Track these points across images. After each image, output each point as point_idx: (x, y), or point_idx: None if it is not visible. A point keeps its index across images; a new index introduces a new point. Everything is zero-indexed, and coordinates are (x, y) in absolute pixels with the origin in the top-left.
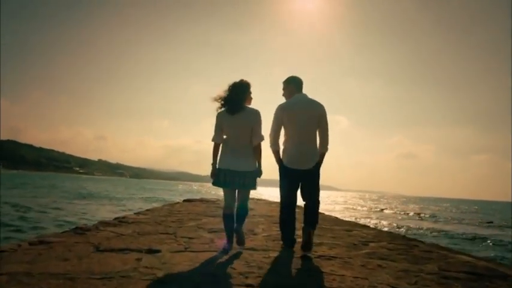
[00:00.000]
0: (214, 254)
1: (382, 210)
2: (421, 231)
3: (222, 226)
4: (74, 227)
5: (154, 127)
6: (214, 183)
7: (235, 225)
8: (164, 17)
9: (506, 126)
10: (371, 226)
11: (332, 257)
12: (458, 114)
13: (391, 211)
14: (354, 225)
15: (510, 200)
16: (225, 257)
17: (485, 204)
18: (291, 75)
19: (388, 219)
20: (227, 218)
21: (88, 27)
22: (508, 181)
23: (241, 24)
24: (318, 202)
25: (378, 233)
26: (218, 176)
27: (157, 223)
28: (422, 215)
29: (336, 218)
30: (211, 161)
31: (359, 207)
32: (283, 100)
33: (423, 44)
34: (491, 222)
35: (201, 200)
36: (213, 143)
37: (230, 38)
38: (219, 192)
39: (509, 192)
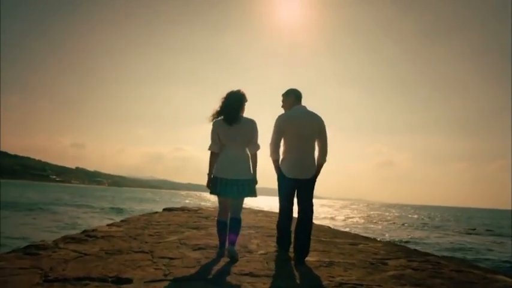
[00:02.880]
0: (204, 283)
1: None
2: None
3: (208, 241)
4: (26, 244)
5: (133, 134)
6: (212, 192)
7: (228, 236)
8: (146, 23)
9: (484, 133)
10: (372, 237)
11: (357, 284)
12: (436, 122)
13: (363, 219)
14: (355, 236)
15: (488, 207)
16: None
17: (467, 211)
18: (290, 87)
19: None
20: (221, 223)
21: (67, 32)
22: (487, 188)
23: (221, 30)
24: (312, 213)
25: (386, 246)
26: (216, 185)
27: (132, 237)
28: (406, 223)
29: (329, 227)
30: (207, 170)
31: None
32: (264, 108)
33: (400, 52)
34: (475, 229)
35: (183, 209)
36: (209, 152)
37: (212, 43)
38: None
39: (489, 199)
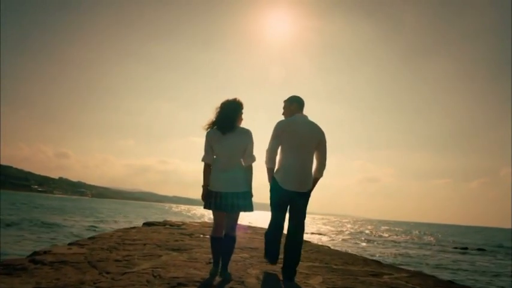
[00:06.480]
0: None
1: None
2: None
3: (191, 272)
4: None
5: (118, 145)
6: (206, 207)
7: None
8: (132, 33)
9: (465, 151)
10: (384, 262)
11: None
12: (417, 139)
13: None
14: (365, 261)
15: (472, 224)
16: None
17: (450, 228)
18: (292, 94)
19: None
20: (215, 241)
21: (51, 38)
22: (465, 204)
23: (210, 43)
24: (303, 229)
25: (415, 278)
26: (210, 199)
27: (92, 264)
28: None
29: (329, 248)
30: (201, 182)
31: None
32: (252, 121)
33: (385, 69)
34: (466, 248)
35: (164, 224)
36: (203, 163)
37: (200, 58)
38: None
39: (468, 215)
